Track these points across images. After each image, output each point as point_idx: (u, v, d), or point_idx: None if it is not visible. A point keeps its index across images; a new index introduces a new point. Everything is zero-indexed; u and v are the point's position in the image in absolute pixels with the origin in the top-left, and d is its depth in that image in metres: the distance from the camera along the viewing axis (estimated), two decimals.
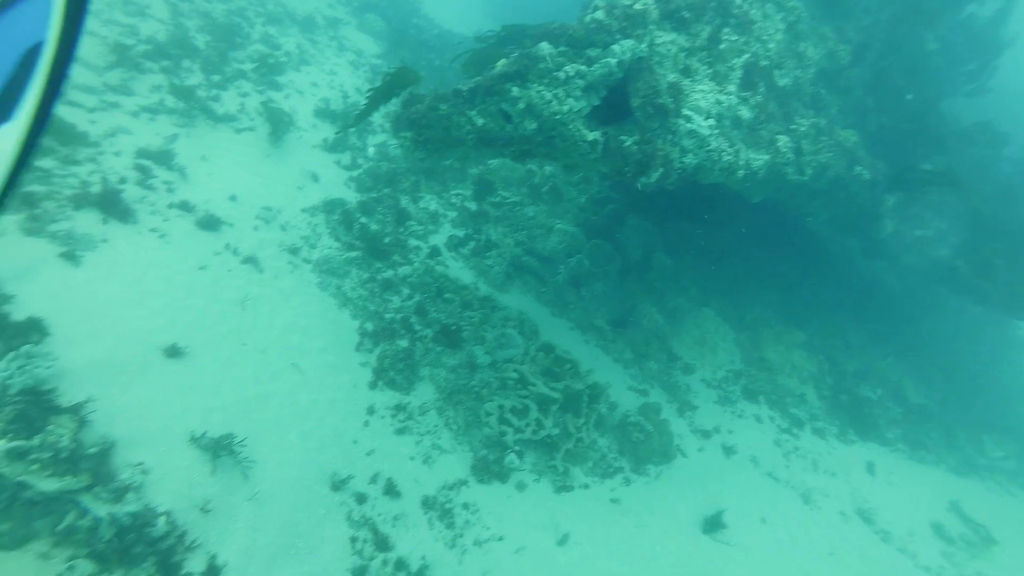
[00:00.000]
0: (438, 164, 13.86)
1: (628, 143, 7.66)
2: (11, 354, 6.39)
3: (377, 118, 14.97)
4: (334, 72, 15.90)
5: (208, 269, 9.09)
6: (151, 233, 9.13)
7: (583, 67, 7.40)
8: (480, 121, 7.70)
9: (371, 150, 13.57)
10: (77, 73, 11.13)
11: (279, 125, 12.63)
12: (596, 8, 7.67)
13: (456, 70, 19.18)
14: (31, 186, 8.66)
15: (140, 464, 6.36)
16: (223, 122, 12.13)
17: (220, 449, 6.89)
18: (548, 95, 7.33)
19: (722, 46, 9.07)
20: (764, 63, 9.95)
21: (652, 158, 7.64)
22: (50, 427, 5.96)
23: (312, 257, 10.46)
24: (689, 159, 8.11)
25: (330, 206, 11.55)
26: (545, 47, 7.40)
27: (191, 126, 11.61)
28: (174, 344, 7.68)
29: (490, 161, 15.41)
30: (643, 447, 11.02)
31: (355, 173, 12.81)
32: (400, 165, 13.44)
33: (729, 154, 8.34)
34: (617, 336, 13.18)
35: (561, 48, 7.53)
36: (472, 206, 13.93)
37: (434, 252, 11.92)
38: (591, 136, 7.59)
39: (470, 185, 14.53)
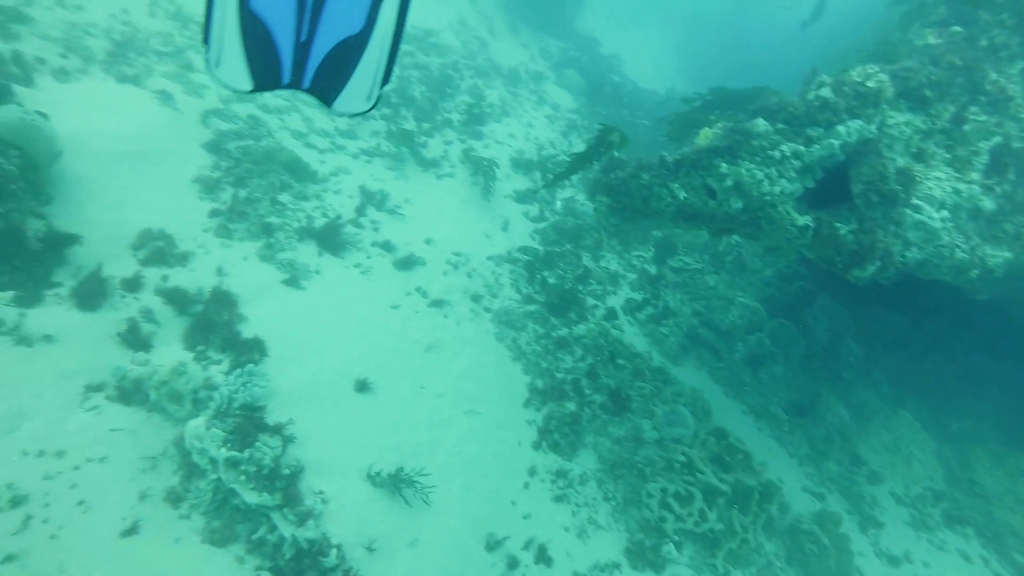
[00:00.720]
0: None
1: (843, 231, 6.92)
2: (238, 370, 7.19)
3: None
4: (531, 124, 16.56)
5: (400, 309, 9.67)
6: (355, 268, 9.95)
7: (801, 147, 6.86)
8: (683, 195, 7.43)
9: (559, 204, 13.80)
10: (317, 119, 12.67)
11: (476, 173, 13.32)
12: (822, 84, 7.11)
13: (649, 128, 19.12)
14: (271, 218, 9.88)
15: (321, 493, 6.77)
16: (428, 167, 13.06)
17: (393, 489, 7.14)
18: (759, 174, 6.87)
19: (967, 127, 7.94)
20: (1018, 145, 8.57)
21: (870, 250, 6.81)
22: (258, 443, 6.56)
23: (493, 306, 10.74)
24: (913, 254, 7.13)
25: (514, 257, 11.85)
26: (761, 124, 6.97)
27: (400, 169, 12.64)
28: (365, 379, 8.20)
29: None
30: (816, 562, 9.73)
31: (541, 226, 13.07)
32: (585, 221, 13.50)
33: (964, 251, 7.21)
34: (794, 427, 11.93)
35: (778, 125, 7.05)
36: (652, 269, 13.56)
37: (611, 314, 11.70)
38: (801, 221, 6.97)
39: (651, 247, 14.20)
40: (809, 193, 7.27)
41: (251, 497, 6.29)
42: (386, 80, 2.07)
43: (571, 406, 9.77)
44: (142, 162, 9.40)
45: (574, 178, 15.18)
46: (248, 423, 6.72)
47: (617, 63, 23.89)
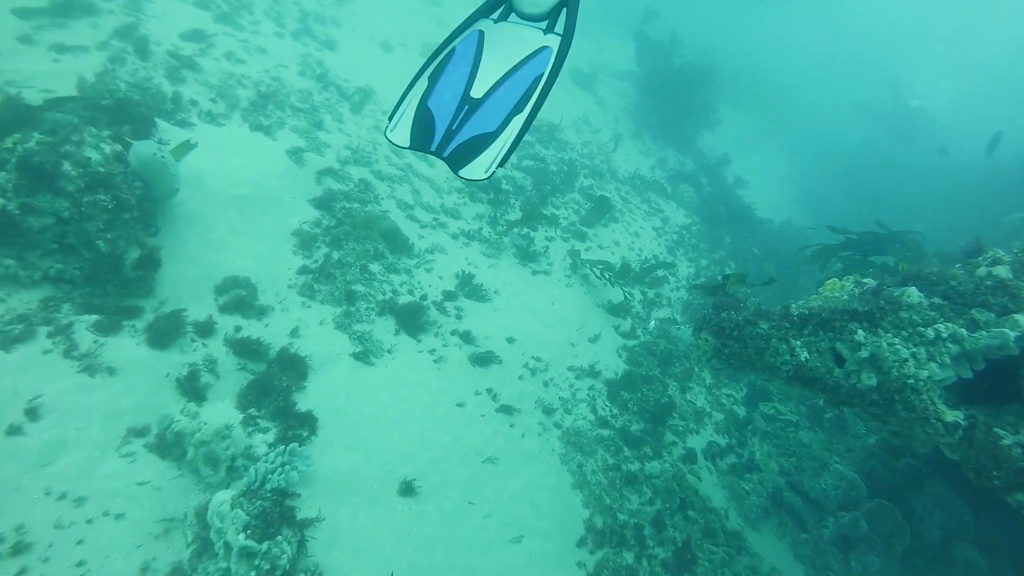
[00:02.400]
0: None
1: (1007, 441, 5.60)
2: (281, 447, 6.64)
3: (667, 290, 14.45)
4: (638, 234, 16.02)
5: (465, 408, 8.97)
6: (429, 355, 9.42)
7: (963, 330, 5.73)
8: (804, 355, 6.41)
9: (652, 323, 12.92)
10: (426, 193, 12.70)
11: (572, 275, 12.77)
12: (996, 261, 6.03)
13: (758, 257, 18.11)
14: (356, 285, 9.64)
15: None
16: (527, 261, 12.65)
17: None
18: (904, 352, 5.77)
19: None
20: None
21: None
22: (280, 537, 5.88)
23: (564, 423, 9.83)
24: None
25: (596, 373, 10.98)
26: (914, 294, 5.94)
27: (496, 258, 12.29)
28: (411, 480, 7.44)
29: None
30: None
31: (631, 343, 12.19)
32: (678, 348, 12.49)
33: None
34: None
35: (935, 300, 5.99)
36: (741, 412, 12.22)
37: (689, 456, 10.44)
38: (951, 417, 5.74)
39: (744, 387, 12.89)
40: (961, 383, 6.07)
41: None
42: (503, 163, 2.82)
43: (629, 557, 8.50)
44: (252, 207, 9.52)
45: (675, 299, 14.32)
46: (276, 510, 6.08)
47: (736, 186, 23.25)
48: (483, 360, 9.80)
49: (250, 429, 7.03)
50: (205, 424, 6.70)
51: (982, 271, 5.95)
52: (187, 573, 5.86)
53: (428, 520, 7.28)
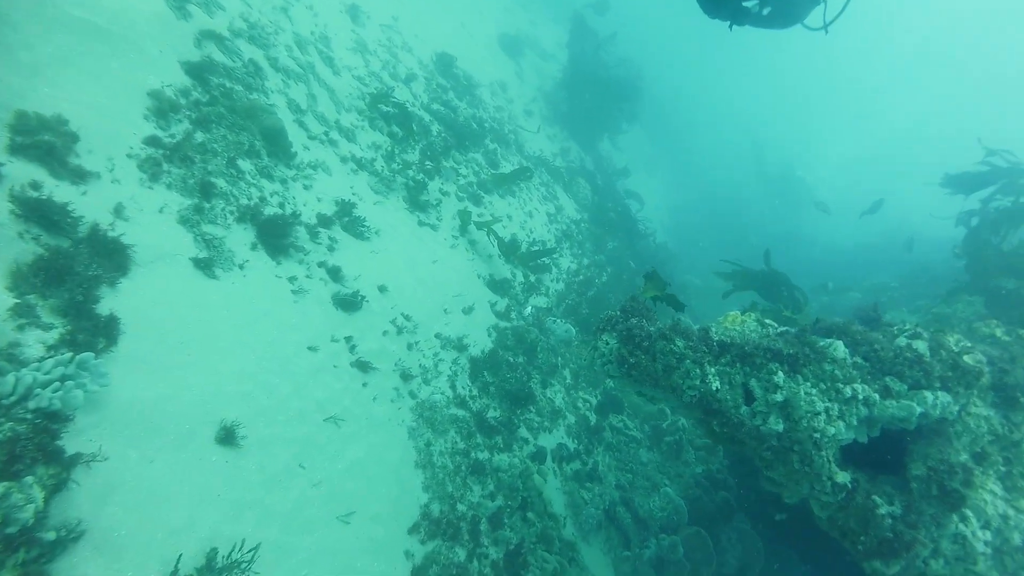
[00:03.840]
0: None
1: (883, 511, 5.61)
2: (66, 354, 4.90)
3: (547, 280, 13.91)
4: (531, 215, 15.32)
5: (317, 353, 7.60)
6: (288, 283, 7.89)
7: (875, 395, 5.64)
8: (716, 385, 6.01)
9: (529, 310, 12.28)
10: (324, 101, 10.90)
11: (460, 238, 11.72)
12: (917, 336, 6.04)
13: (633, 270, 18.32)
14: (218, 179, 7.79)
15: None
16: (416, 209, 11.36)
17: None
18: (819, 405, 5.56)
19: None
20: None
21: (906, 547, 5.51)
22: (27, 479, 4.23)
23: (420, 394, 8.80)
24: (938, 567, 5.88)
25: (463, 347, 10.07)
26: (841, 349, 5.76)
27: (385, 197, 10.87)
28: (232, 427, 5.99)
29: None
30: None
31: (503, 324, 11.43)
32: (548, 341, 11.98)
33: None
34: None
35: (856, 359, 5.86)
36: (592, 418, 12.04)
37: (539, 455, 9.93)
38: (841, 478, 5.65)
39: (599, 394, 12.76)
40: (849, 446, 6.02)
41: None
42: None
43: (461, 554, 7.74)
44: (102, 42, 7.30)
45: (552, 290, 13.84)
46: (33, 438, 4.40)
47: (628, 197, 23.53)
48: (348, 304, 8.45)
49: (22, 321, 5.15)
50: None
51: (902, 341, 5.90)
52: None
53: (245, 480, 5.89)
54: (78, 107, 6.72)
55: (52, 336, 5.26)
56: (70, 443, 4.73)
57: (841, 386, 5.53)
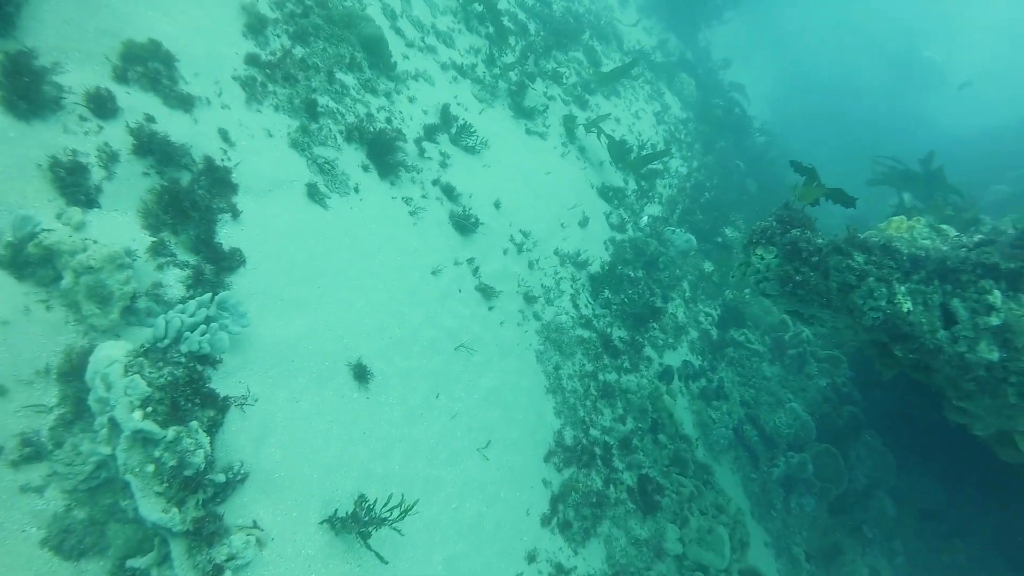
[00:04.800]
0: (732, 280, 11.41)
1: None
2: (207, 294, 4.67)
3: (659, 186, 12.83)
4: (638, 116, 14.03)
5: (441, 278, 7.21)
6: (404, 204, 7.44)
7: None
8: (907, 306, 5.07)
9: (645, 219, 11.38)
10: (417, 4, 9.98)
11: (570, 145, 10.82)
12: None
13: (743, 171, 16.71)
14: (322, 97, 7.27)
15: (256, 528, 4.33)
16: (521, 116, 10.50)
17: (358, 545, 4.76)
18: None
19: None
20: None
21: None
22: (194, 423, 4.10)
23: (544, 315, 8.35)
24: None
25: (582, 263, 9.44)
26: None
27: (490, 105, 10.06)
28: (367, 364, 5.75)
29: (746, 290, 12.72)
30: None
31: (620, 236, 10.66)
32: (668, 253, 11.12)
33: None
34: None
35: None
36: (714, 333, 11.29)
37: (666, 374, 9.39)
38: None
39: (719, 306, 11.92)
40: None
41: (150, 508, 3.83)
42: None
43: (597, 480, 7.48)
44: None
45: (664, 195, 12.77)
46: (190, 383, 4.25)
47: (733, 90, 21.32)
48: (466, 224, 7.94)
49: (161, 260, 4.96)
50: (94, 243, 4.57)
51: None
52: (44, 448, 4.03)
53: (388, 415, 5.70)
54: (180, 28, 6.27)
55: (187, 274, 5.06)
56: (221, 386, 4.58)
57: None
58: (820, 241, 5.74)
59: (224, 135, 6.07)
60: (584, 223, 10.03)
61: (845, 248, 5.43)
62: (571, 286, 9.11)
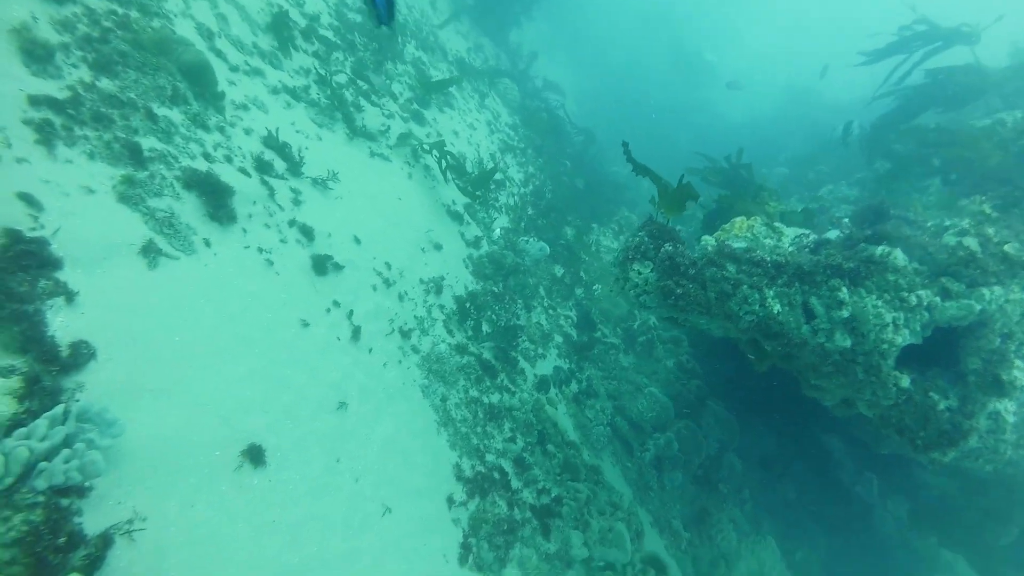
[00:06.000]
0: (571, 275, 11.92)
1: (941, 407, 5.79)
2: (54, 411, 3.80)
3: (504, 197, 13.11)
4: (474, 127, 14.14)
5: (314, 329, 6.66)
6: (261, 254, 6.73)
7: (937, 299, 5.63)
8: (776, 308, 5.77)
9: (497, 231, 11.55)
10: (233, 19, 9.03)
11: (414, 166, 10.59)
12: (964, 233, 6.00)
13: (569, 169, 17.69)
14: (146, 138, 6.28)
15: None
16: (360, 138, 10.03)
17: None
18: (888, 316, 5.47)
19: None
20: None
21: (963, 436, 5.77)
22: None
23: (422, 347, 8.12)
24: (975, 443, 6.27)
25: (446, 287, 9.34)
26: (900, 258, 5.63)
27: (330, 129, 9.47)
28: (259, 442, 5.14)
29: (594, 286, 13.57)
30: None
31: (476, 253, 10.71)
32: (523, 262, 11.42)
33: (1011, 448, 6.57)
34: (689, 546, 10.91)
35: (914, 264, 5.78)
36: (574, 335, 11.88)
37: (542, 384, 9.68)
38: (904, 382, 5.71)
39: (571, 307, 12.56)
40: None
41: None
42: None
43: (502, 505, 7.49)
44: None
45: (508, 205, 13.10)
46: (54, 528, 3.44)
47: (546, 89, 22.39)
48: (326, 266, 7.41)
49: None
50: None
51: (951, 240, 5.84)
52: None
53: (292, 496, 5.15)
54: None
55: (15, 383, 4.08)
56: (95, 516, 3.78)
57: (906, 294, 5.43)
58: (695, 255, 6.27)
59: (27, 198, 4.97)
60: (440, 246, 9.90)
61: (718, 260, 5.99)
62: (441, 312, 8.96)
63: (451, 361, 8.34)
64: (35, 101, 5.59)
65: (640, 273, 6.45)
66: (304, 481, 5.32)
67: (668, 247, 6.31)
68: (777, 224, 7.26)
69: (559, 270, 12.59)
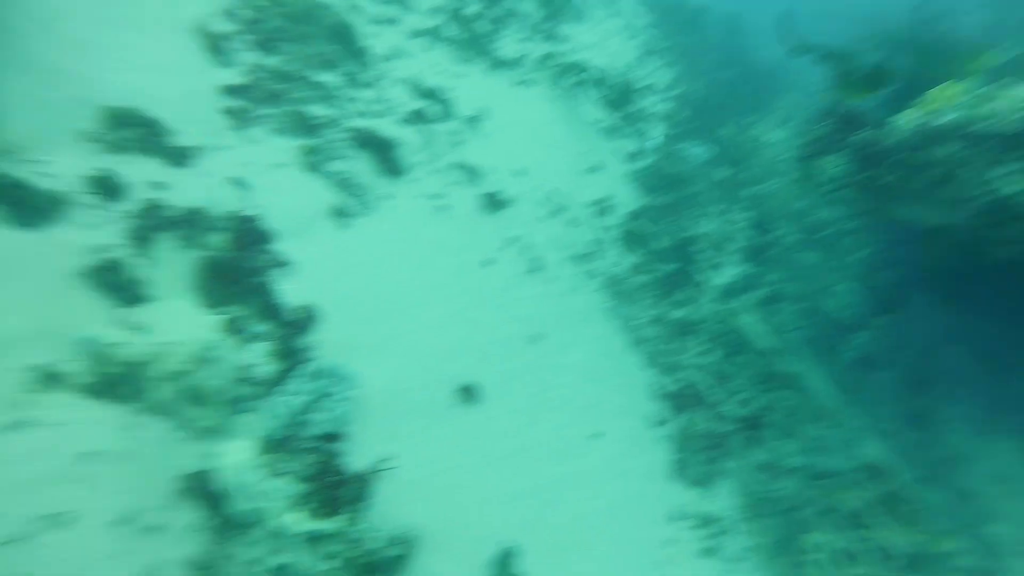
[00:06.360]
0: (738, 180, 11.12)
1: None
2: (309, 366, 4.26)
3: (653, 104, 12.31)
4: (608, 36, 13.29)
5: (494, 267, 6.81)
6: (432, 201, 6.93)
7: None
8: (1009, 188, 4.83)
9: (654, 142, 10.94)
10: None
11: (560, 86, 10.21)
12: None
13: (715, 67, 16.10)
14: (311, 106, 6.61)
15: None
16: (502, 68, 9.82)
17: None
18: None
19: None
20: None
21: None
22: (352, 508, 3.78)
23: (601, 270, 8.03)
24: None
25: (614, 206, 9.06)
26: None
27: (471, 63, 9.37)
28: (468, 382, 5.44)
29: (767, 183, 12.48)
30: None
31: (638, 167, 10.25)
32: (687, 168, 10.76)
33: None
34: (911, 447, 10.09)
35: None
36: (751, 238, 11.09)
37: (726, 293, 9.23)
38: None
39: (744, 208, 11.68)
40: None
41: None
42: None
43: (706, 418, 7.38)
44: None
45: (659, 111, 12.29)
46: (329, 468, 3.90)
47: None
48: (495, 202, 7.47)
49: (236, 339, 4.50)
50: (171, 345, 4.09)
51: None
52: (214, 566, 3.69)
53: (505, 429, 5.44)
54: (143, 75, 5.54)
55: (268, 346, 4.62)
56: (354, 458, 4.24)
57: None
58: (891, 141, 5.42)
59: (237, 182, 5.47)
60: (601, 166, 9.58)
61: (926, 141, 5.13)
62: (614, 232, 8.76)
63: (632, 280, 8.19)
64: (223, 91, 6.06)
65: (831, 166, 5.72)
66: (513, 414, 5.58)
67: (861, 134, 5.49)
68: (989, 87, 6.01)
69: (724, 171, 11.72)
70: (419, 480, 4.50)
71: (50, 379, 3.84)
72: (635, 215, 9.11)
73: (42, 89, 4.78)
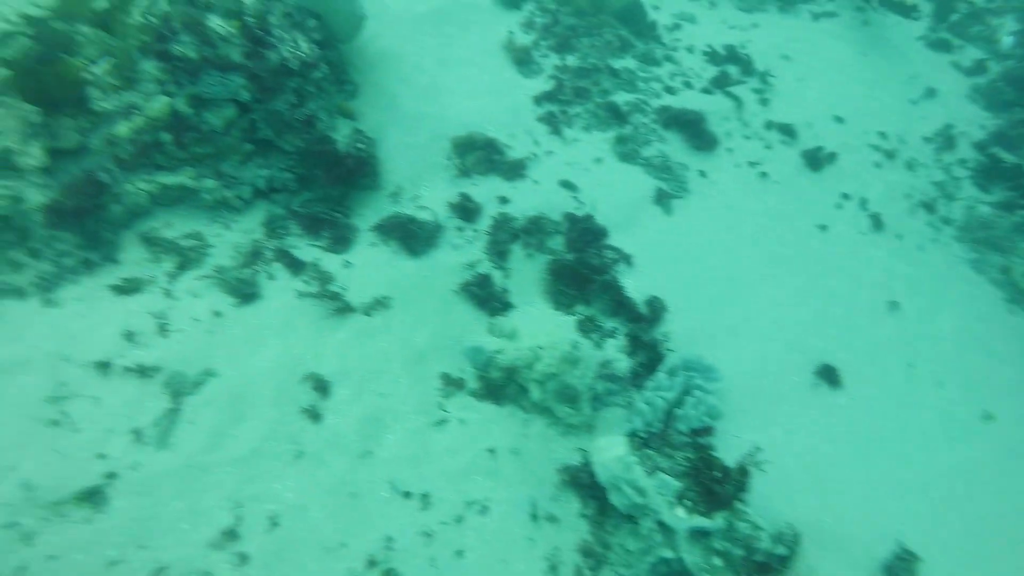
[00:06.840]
0: None
1: None
2: (672, 365, 4.36)
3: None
4: None
5: (832, 230, 6.14)
6: (751, 168, 6.50)
7: None
8: None
9: (1009, 40, 8.72)
10: None
11: (863, 9, 8.72)
12: None
13: None
14: (615, 95, 6.67)
15: None
16: (797, 3, 8.74)
17: None
18: None
19: None
20: None
21: None
22: (736, 504, 3.77)
23: (954, 216, 6.72)
24: None
25: (957, 135, 7.48)
26: None
27: (761, 10, 8.53)
28: (828, 360, 5.01)
29: None
30: None
31: (981, 80, 8.29)
32: None
33: None
34: None
35: None
36: None
37: None
38: None
39: None
40: None
41: None
42: None
43: None
44: (447, 23, 6.64)
45: (1008, 5, 9.71)
46: (705, 463, 3.94)
47: None
48: (821, 156, 6.70)
49: (593, 337, 4.82)
50: (541, 348, 4.55)
51: None
52: (600, 555, 4.05)
53: (878, 411, 4.91)
54: (479, 101, 6.18)
55: (622, 342, 4.85)
56: (725, 452, 4.22)
57: None
58: None
59: (566, 184, 5.81)
60: (934, 91, 7.96)
61: None
62: (964, 168, 7.26)
63: (1000, 223, 6.70)
64: (537, 99, 6.49)
65: None
66: (885, 394, 5.00)
67: None
68: None
69: None
70: (793, 473, 4.31)
71: (453, 384, 4.58)
72: (985, 142, 7.38)
73: (409, 135, 5.66)
